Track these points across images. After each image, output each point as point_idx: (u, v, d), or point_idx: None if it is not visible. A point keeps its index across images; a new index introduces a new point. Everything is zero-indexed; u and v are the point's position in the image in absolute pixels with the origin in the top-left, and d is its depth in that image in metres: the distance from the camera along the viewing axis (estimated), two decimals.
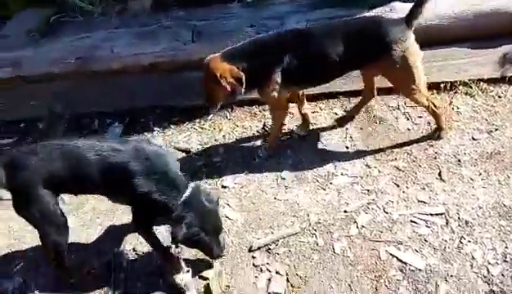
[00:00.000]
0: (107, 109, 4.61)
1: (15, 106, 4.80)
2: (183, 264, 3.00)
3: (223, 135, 4.11)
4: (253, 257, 3.18)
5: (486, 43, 4.19)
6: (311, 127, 3.99)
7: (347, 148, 3.78)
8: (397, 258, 3.02)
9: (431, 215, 3.21)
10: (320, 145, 3.84)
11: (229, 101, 3.85)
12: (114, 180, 2.79)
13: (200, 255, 3.04)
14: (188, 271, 3.01)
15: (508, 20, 4.14)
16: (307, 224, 3.29)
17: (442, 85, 4.05)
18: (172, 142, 4.17)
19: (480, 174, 3.41)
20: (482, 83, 4.03)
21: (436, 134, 3.68)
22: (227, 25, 4.70)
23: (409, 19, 3.32)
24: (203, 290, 3.01)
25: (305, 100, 3.88)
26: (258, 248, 3.21)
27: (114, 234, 3.45)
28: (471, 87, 4.02)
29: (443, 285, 2.84)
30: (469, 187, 3.34)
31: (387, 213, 3.27)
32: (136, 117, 4.51)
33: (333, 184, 3.53)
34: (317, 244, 3.18)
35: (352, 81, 4.07)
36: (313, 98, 4.18)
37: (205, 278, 3.02)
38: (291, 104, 3.81)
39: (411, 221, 3.20)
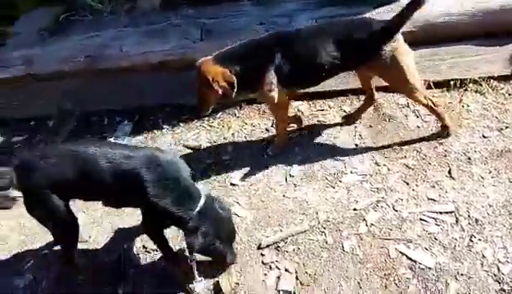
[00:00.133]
0: (116, 107, 4.63)
1: (26, 104, 4.84)
2: (196, 273, 2.99)
3: (232, 133, 4.11)
4: (262, 255, 3.18)
5: (496, 41, 4.17)
6: (320, 125, 3.98)
7: (356, 145, 3.77)
8: (406, 256, 3.01)
9: (441, 213, 3.20)
10: (329, 143, 3.83)
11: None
12: (127, 188, 2.77)
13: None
14: (201, 280, 3.01)
15: None
16: (316, 222, 3.29)
17: (451, 82, 4.03)
18: (182, 140, 4.18)
19: (490, 172, 3.39)
20: (492, 81, 4.00)
21: (444, 132, 3.66)
22: (237, 23, 4.70)
23: (399, 18, 3.32)
24: (212, 288, 3.02)
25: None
26: (267, 246, 3.22)
27: (124, 232, 3.47)
28: (481, 85, 3.99)
29: (453, 283, 2.83)
30: (479, 185, 3.32)
31: (396, 211, 3.26)
32: (145, 115, 4.53)
33: (342, 182, 3.52)
34: (326, 242, 3.17)
35: None
36: (322, 96, 4.18)
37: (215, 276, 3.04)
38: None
39: (421, 219, 3.18)
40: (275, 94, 3.44)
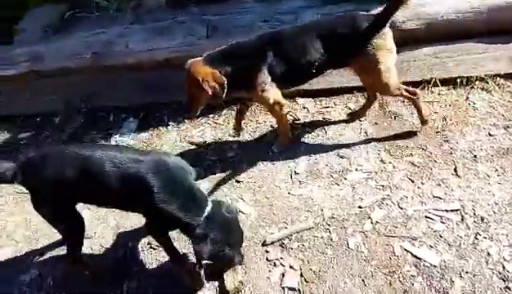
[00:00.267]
0: (122, 104, 4.64)
1: (32, 101, 4.87)
2: (204, 280, 2.99)
3: None
4: (267, 252, 3.18)
5: (503, 38, 4.15)
6: (325, 122, 3.98)
7: (361, 143, 3.76)
8: (411, 254, 3.00)
9: (446, 211, 3.19)
10: (334, 140, 3.83)
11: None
12: (133, 193, 2.71)
13: None
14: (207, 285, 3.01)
15: None
16: (320, 220, 3.29)
17: (458, 80, 4.01)
18: (187, 137, 4.19)
19: (496, 170, 3.37)
20: (498, 79, 3.98)
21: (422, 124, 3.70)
22: (242, 20, 4.70)
23: (384, 14, 3.32)
24: (217, 284, 3.02)
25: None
26: (272, 243, 3.22)
27: (129, 228, 3.48)
28: (488, 83, 3.97)
29: (458, 281, 2.82)
30: (484, 183, 3.30)
31: (401, 209, 3.26)
32: (150, 111, 4.53)
33: (347, 180, 3.52)
34: (331, 239, 3.17)
35: None
36: (328, 93, 4.17)
37: None
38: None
39: (426, 217, 3.17)
40: (268, 94, 3.44)
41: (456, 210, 3.18)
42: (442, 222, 3.13)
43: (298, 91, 4.12)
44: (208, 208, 2.74)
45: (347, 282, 2.94)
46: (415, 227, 3.13)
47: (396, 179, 3.45)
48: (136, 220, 3.45)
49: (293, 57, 3.39)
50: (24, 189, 2.99)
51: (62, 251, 3.35)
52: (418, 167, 3.49)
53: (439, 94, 3.98)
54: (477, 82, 3.99)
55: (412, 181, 3.41)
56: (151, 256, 3.29)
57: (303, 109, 4.14)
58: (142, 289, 3.12)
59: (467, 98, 3.92)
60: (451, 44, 4.19)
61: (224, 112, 4.30)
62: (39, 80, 4.91)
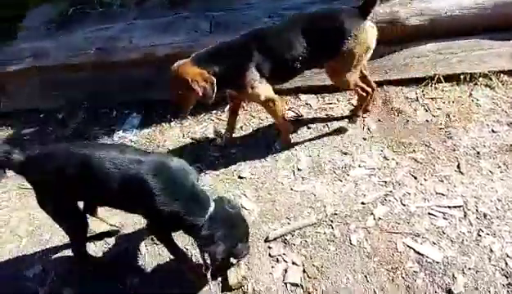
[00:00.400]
0: (125, 100, 4.64)
1: (35, 96, 4.86)
2: (211, 281, 2.95)
3: (240, 127, 4.11)
4: (270, 248, 3.19)
5: (507, 35, 4.15)
6: (328, 118, 3.98)
7: (364, 139, 3.76)
8: (414, 250, 3.00)
9: (449, 207, 3.19)
10: (337, 137, 3.83)
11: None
12: (134, 193, 2.69)
13: None
14: (214, 285, 3.00)
15: None
16: (323, 216, 3.29)
17: (461, 76, 4.01)
18: (190, 133, 4.19)
19: (499, 167, 3.37)
20: (502, 75, 3.98)
21: (353, 117, 3.79)
22: (246, 16, 4.70)
23: (364, 8, 3.35)
24: (220, 280, 3.03)
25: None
26: (275, 239, 3.23)
27: (132, 224, 3.48)
28: (491, 79, 3.97)
29: (460, 277, 2.82)
30: (487, 180, 3.30)
31: (404, 205, 3.26)
32: (153, 108, 4.53)
33: (350, 176, 3.52)
34: (334, 235, 3.18)
35: (371, 72, 4.04)
36: (331, 89, 4.17)
37: None
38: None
39: (429, 213, 3.18)
40: (259, 91, 3.44)
41: (459, 206, 3.18)
42: (444, 218, 3.13)
43: (301, 88, 4.12)
44: (211, 208, 2.73)
45: (349, 278, 2.94)
46: (417, 223, 3.13)
47: (399, 175, 3.45)
48: (138, 216, 3.45)
49: (277, 53, 3.39)
50: (27, 185, 3.00)
51: (66, 246, 3.36)
52: (421, 163, 3.49)
53: (442, 90, 3.98)
54: (480, 79, 3.99)
55: (415, 178, 3.41)
56: (154, 251, 3.29)
57: (305, 106, 4.14)
58: (146, 284, 3.13)
59: (470, 94, 3.92)
60: (455, 40, 4.18)
61: (227, 108, 4.28)
62: (43, 76, 4.91)
